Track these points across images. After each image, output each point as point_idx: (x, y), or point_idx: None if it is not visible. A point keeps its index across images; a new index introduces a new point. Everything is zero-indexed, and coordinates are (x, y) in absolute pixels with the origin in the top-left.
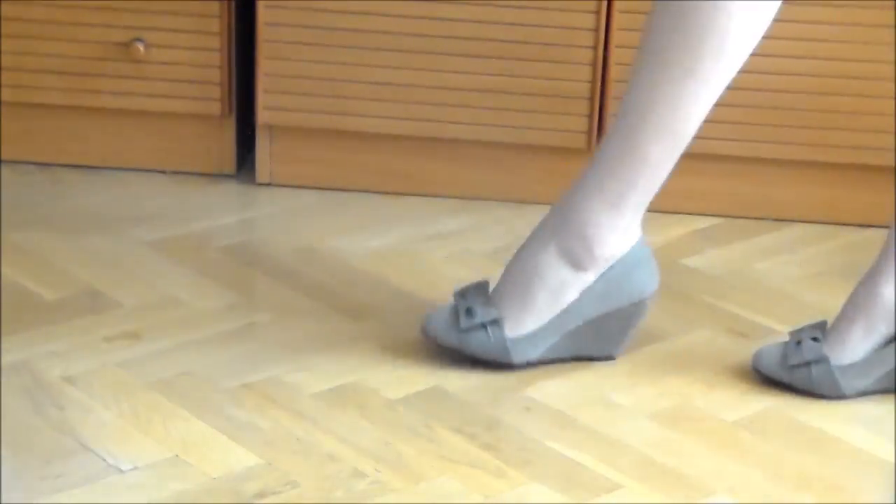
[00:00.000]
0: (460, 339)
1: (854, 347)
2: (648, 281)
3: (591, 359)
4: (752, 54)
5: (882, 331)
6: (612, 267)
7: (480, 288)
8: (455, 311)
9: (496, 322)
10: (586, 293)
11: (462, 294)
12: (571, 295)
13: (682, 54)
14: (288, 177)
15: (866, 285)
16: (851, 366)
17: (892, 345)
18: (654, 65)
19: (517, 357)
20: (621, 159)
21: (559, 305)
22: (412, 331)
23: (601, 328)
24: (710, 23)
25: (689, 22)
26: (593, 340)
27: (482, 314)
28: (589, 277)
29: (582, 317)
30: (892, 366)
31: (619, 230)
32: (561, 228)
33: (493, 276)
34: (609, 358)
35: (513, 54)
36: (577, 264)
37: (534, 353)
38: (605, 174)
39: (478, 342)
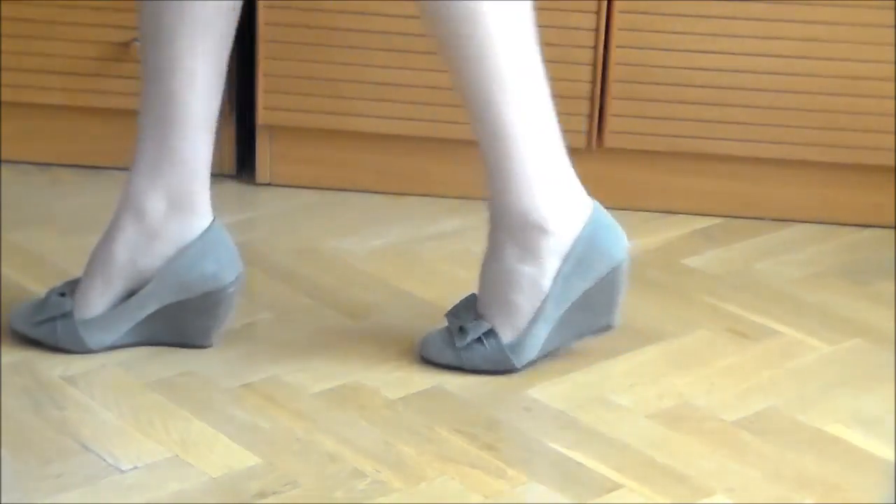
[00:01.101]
0: (460, 357)
1: (94, 303)
2: (616, 244)
3: (592, 333)
4: (753, 54)
5: (118, 287)
6: (574, 244)
7: (469, 303)
8: (449, 332)
9: (490, 332)
10: (560, 278)
11: (454, 313)
12: (546, 285)
13: (469, 49)
14: (288, 177)
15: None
16: (94, 320)
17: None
18: (457, 60)
19: (518, 360)
20: (494, 144)
21: (539, 298)
22: (412, 331)
23: (589, 304)
24: (474, 27)
25: (453, 24)
26: (586, 317)
27: (474, 329)
28: (555, 262)
29: (567, 301)
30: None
31: (559, 202)
32: (507, 229)
33: None
34: (608, 328)
35: None
36: (538, 254)
37: (532, 352)
38: (499, 161)
39: (478, 356)
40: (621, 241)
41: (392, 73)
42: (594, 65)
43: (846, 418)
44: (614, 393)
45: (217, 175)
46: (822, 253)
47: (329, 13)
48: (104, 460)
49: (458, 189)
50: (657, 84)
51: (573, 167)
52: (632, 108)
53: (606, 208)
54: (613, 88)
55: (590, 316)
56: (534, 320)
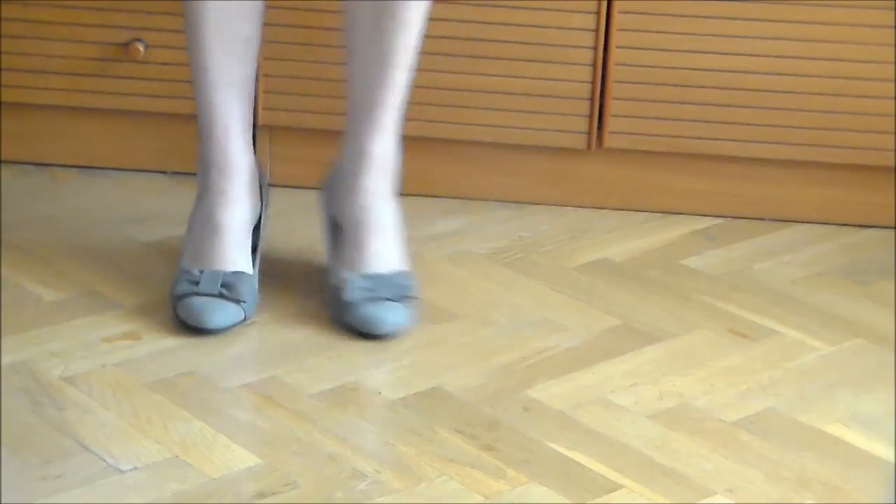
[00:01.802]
0: None
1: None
2: None
3: None
4: (753, 54)
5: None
6: None
7: None
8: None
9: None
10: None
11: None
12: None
13: None
14: (288, 177)
15: None
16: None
17: None
18: None
19: None
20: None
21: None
22: (412, 331)
23: None
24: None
25: None
26: None
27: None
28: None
29: None
30: None
31: None
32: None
33: (493, 275)
34: None
35: (512, 54)
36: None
37: None
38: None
39: None
40: None
41: None
42: (594, 65)
43: (846, 418)
44: (614, 393)
45: None
46: (823, 253)
47: (329, 13)
48: (104, 460)
49: (458, 189)
50: (657, 84)
51: (573, 167)
52: (632, 108)
53: (606, 208)
54: (613, 88)
55: None
56: None
